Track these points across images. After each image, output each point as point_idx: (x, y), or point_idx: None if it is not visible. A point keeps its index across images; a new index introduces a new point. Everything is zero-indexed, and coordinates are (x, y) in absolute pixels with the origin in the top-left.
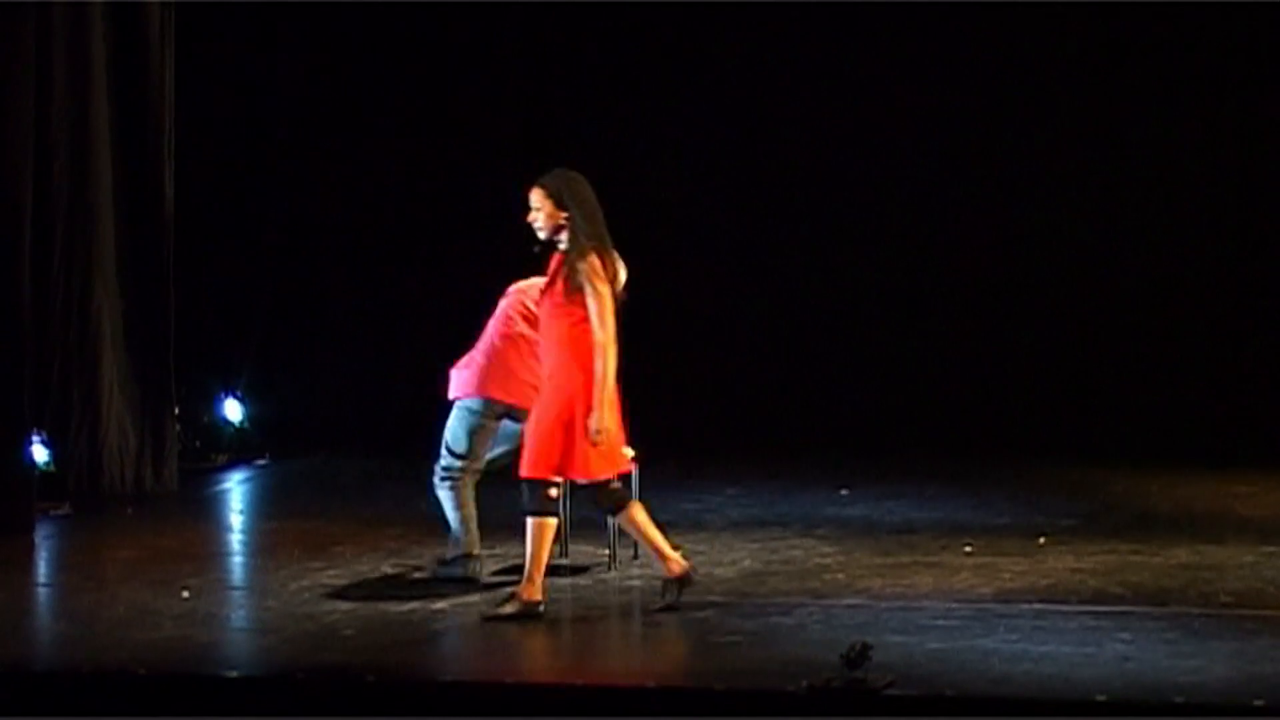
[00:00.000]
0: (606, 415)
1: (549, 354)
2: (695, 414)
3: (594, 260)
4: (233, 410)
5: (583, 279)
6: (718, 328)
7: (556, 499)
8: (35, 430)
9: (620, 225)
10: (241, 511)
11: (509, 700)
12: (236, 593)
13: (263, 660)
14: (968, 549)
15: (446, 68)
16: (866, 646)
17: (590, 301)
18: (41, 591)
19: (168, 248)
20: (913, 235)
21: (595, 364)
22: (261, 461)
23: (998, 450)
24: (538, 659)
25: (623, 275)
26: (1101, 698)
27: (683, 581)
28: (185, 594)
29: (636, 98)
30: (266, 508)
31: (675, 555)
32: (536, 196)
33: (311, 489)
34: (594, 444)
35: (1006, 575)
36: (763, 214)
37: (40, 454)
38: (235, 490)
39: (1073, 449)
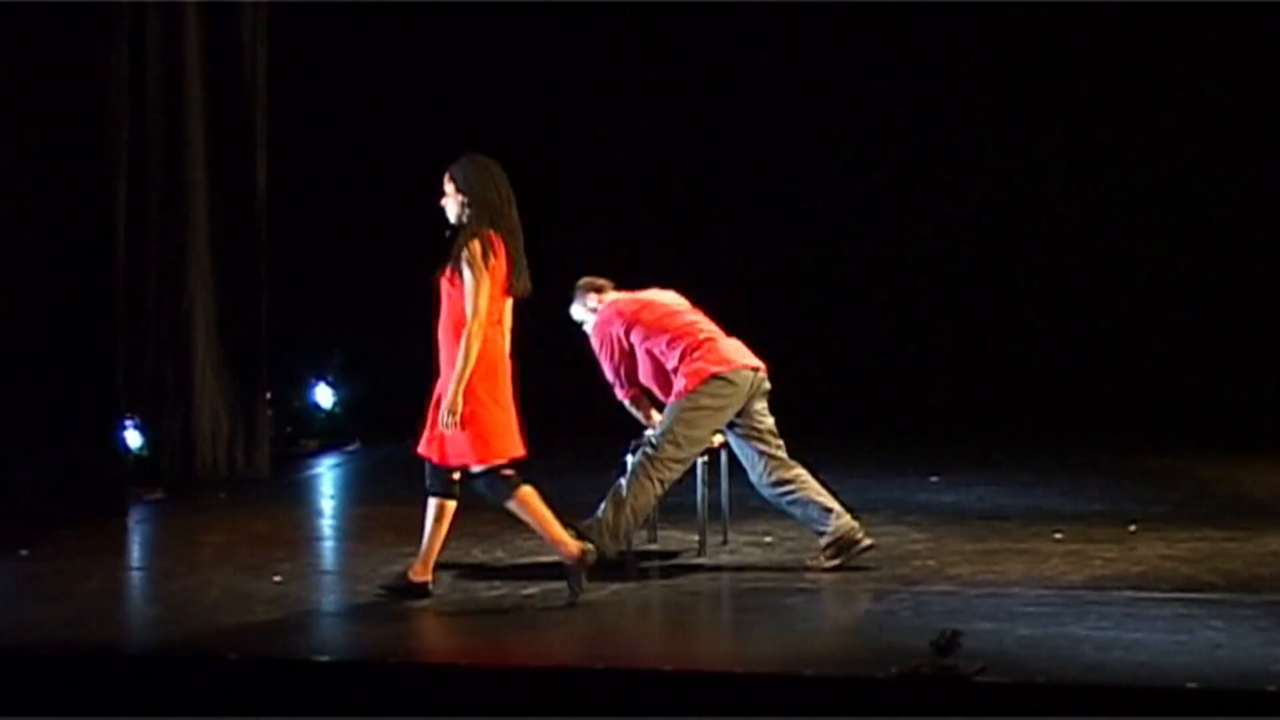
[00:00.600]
0: (461, 401)
1: (441, 336)
2: (787, 401)
3: (475, 245)
4: (324, 396)
5: (463, 262)
6: (809, 317)
7: (454, 481)
8: (129, 415)
9: (715, 207)
10: (332, 496)
11: (598, 685)
12: (328, 577)
13: (353, 645)
14: (1058, 536)
15: (533, 63)
16: (957, 633)
17: (466, 284)
18: (135, 575)
19: (260, 235)
20: (1006, 223)
21: (458, 348)
22: (352, 447)
23: (1088, 437)
24: (626, 644)
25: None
26: (1193, 685)
27: (582, 563)
28: (277, 579)
29: (715, 90)
30: (357, 493)
31: (569, 538)
32: (446, 180)
33: (402, 474)
34: (443, 430)
35: (1097, 562)
36: (860, 198)
37: (134, 439)
38: (326, 475)
39: (1164, 435)
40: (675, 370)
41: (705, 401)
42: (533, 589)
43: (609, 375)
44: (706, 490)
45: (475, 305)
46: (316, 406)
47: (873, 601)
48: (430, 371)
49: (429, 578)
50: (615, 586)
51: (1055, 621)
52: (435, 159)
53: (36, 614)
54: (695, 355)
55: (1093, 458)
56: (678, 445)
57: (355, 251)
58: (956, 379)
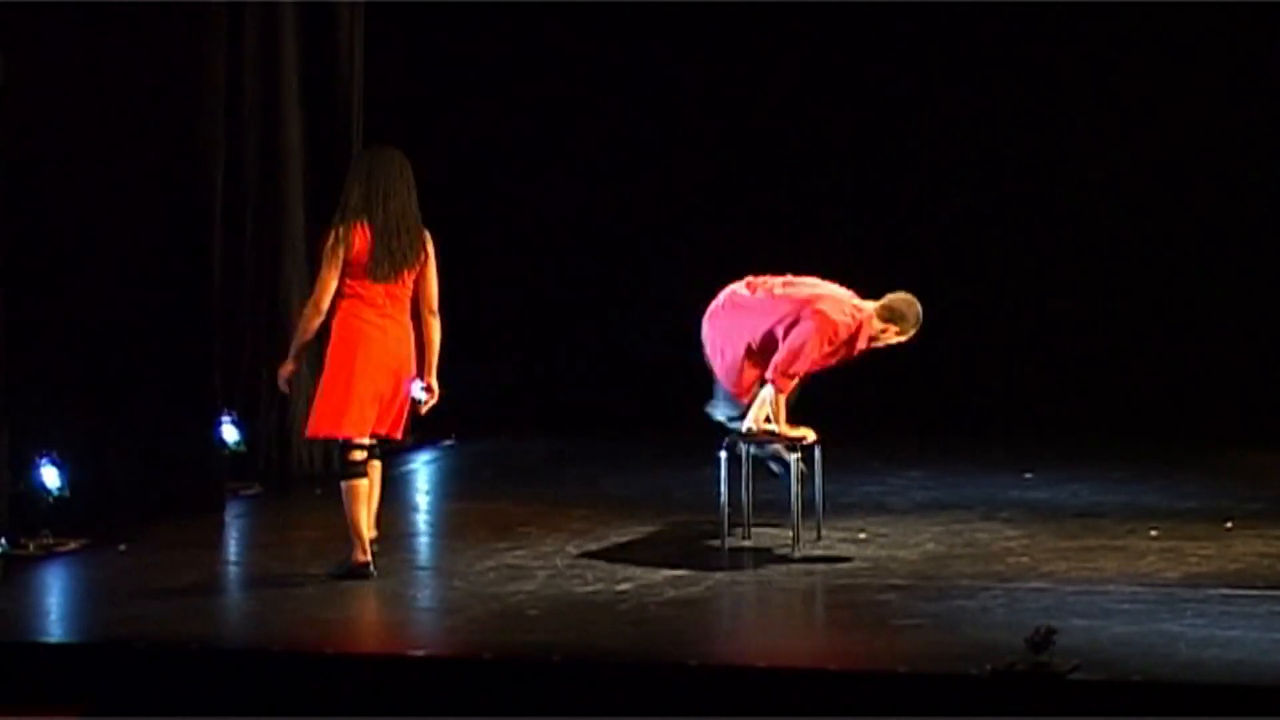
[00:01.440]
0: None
1: None
2: (880, 397)
3: (326, 236)
4: (419, 391)
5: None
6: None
7: (358, 461)
8: (226, 411)
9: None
10: (427, 492)
11: (691, 682)
12: (423, 573)
13: (449, 640)
14: (1154, 533)
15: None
16: (1051, 630)
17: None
18: (231, 570)
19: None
20: (1097, 221)
21: None
22: (447, 442)
23: (1184, 433)
24: (721, 641)
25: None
26: None
27: (356, 571)
28: (373, 573)
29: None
30: (452, 488)
31: (366, 545)
32: None
33: (496, 470)
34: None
35: (1193, 559)
36: (950, 196)
37: (231, 434)
38: (421, 471)
39: (1261, 431)
40: None
41: None
42: (626, 585)
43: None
44: (800, 487)
45: (314, 283)
46: (413, 401)
47: (967, 598)
48: (525, 365)
49: (368, 558)
50: (709, 583)
51: (1150, 619)
52: (526, 159)
53: (134, 609)
54: None
55: (1189, 454)
56: None
57: (448, 248)
58: (1050, 374)
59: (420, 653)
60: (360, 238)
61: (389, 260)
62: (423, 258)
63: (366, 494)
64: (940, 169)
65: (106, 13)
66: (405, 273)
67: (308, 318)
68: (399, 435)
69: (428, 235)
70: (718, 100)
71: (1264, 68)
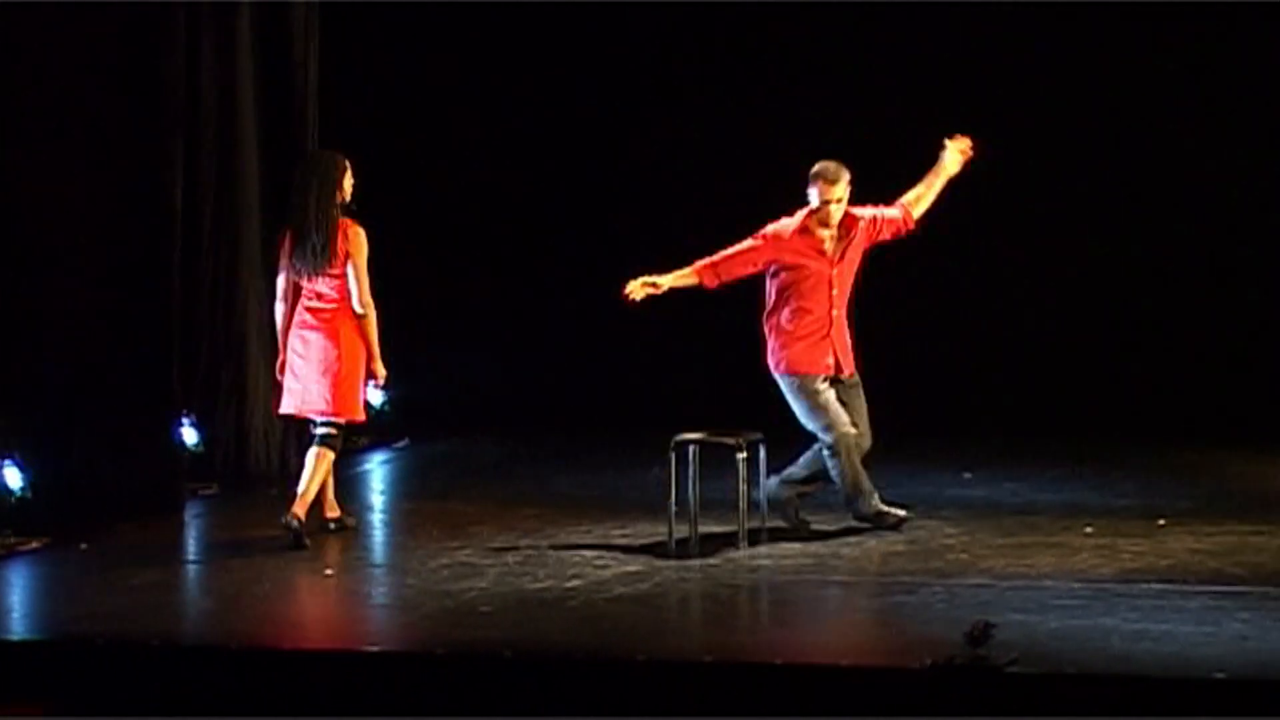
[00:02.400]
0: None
1: None
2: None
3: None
4: (373, 395)
5: None
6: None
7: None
8: (185, 413)
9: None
10: (382, 492)
11: (639, 677)
12: (377, 570)
13: (403, 636)
14: (1088, 530)
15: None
16: (989, 625)
17: None
18: (190, 568)
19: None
20: (1034, 219)
21: None
22: (401, 444)
23: (1118, 433)
24: (663, 636)
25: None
26: (1220, 676)
27: (290, 527)
28: (328, 572)
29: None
30: (406, 488)
31: (302, 510)
32: None
33: (449, 471)
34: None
35: (1126, 555)
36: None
37: (190, 436)
38: (376, 471)
39: (1192, 432)
40: None
41: None
42: (576, 582)
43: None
44: (746, 485)
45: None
46: (366, 404)
47: (908, 594)
48: (477, 369)
49: (338, 512)
50: (657, 579)
51: (1085, 613)
52: (480, 161)
53: (96, 605)
54: None
55: (1122, 454)
56: None
57: (399, 253)
58: (989, 377)
59: (375, 648)
60: (288, 240)
61: (303, 260)
62: (340, 257)
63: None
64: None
65: (66, 18)
66: (325, 271)
67: (273, 312)
68: (331, 414)
69: (352, 234)
70: (693, 97)
71: (1232, 70)
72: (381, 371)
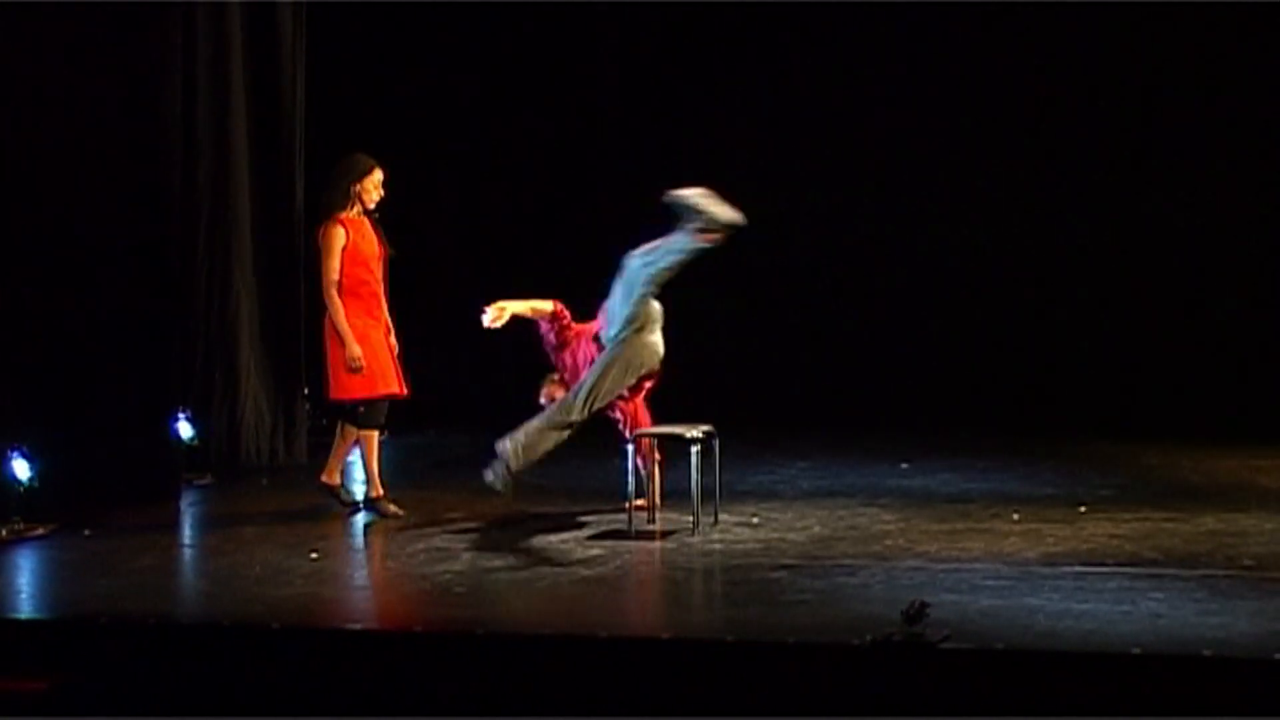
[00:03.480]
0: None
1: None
2: (770, 393)
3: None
4: None
5: None
6: (791, 313)
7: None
8: (181, 408)
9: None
10: (364, 481)
11: (602, 651)
12: (359, 554)
13: (383, 615)
14: (1015, 516)
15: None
16: (924, 604)
17: None
18: (186, 553)
19: (298, 242)
20: (962, 220)
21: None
22: (383, 436)
23: (1043, 427)
24: (624, 615)
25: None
26: (1137, 651)
27: (331, 489)
28: (314, 555)
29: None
30: (385, 478)
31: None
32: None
33: (426, 461)
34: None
35: (1050, 540)
36: (837, 196)
37: (185, 430)
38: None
39: (1111, 426)
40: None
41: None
42: (543, 565)
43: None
44: (699, 475)
45: None
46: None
47: (849, 576)
48: (450, 365)
49: (335, 481)
50: (618, 562)
51: (1012, 593)
52: (461, 159)
53: (97, 587)
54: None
55: (1047, 446)
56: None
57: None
58: (924, 373)
59: (357, 626)
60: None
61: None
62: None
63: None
64: (818, 162)
65: (64, 18)
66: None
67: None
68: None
69: (320, 232)
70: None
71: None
72: (354, 355)
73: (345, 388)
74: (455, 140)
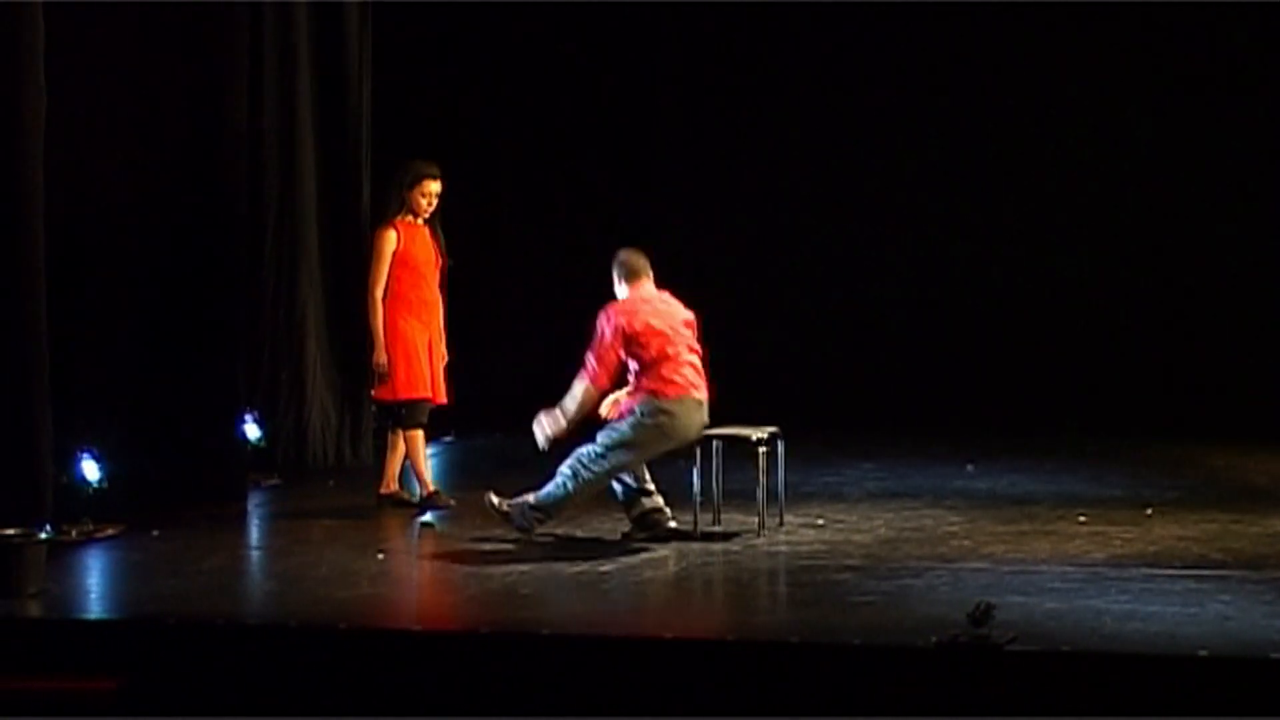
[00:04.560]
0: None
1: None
2: (837, 394)
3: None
4: None
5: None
6: (858, 315)
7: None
8: (248, 410)
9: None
10: (415, 475)
11: (667, 654)
12: (425, 555)
13: (450, 616)
14: (1082, 518)
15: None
16: (990, 606)
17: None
18: (253, 554)
19: (364, 245)
20: (1030, 222)
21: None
22: (448, 439)
23: (1109, 429)
24: (693, 617)
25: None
26: (1204, 653)
27: (391, 497)
28: (380, 556)
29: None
30: (452, 480)
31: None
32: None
33: (491, 463)
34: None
35: (1117, 542)
36: (902, 200)
37: (253, 431)
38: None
39: (1178, 428)
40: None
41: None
42: (608, 566)
43: (589, 359)
44: (764, 476)
45: None
46: None
47: (914, 577)
48: (519, 367)
49: (393, 488)
50: (684, 563)
51: (1079, 596)
52: (526, 162)
53: (166, 588)
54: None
55: (1113, 448)
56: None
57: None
58: (990, 375)
59: (423, 628)
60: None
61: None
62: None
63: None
64: (899, 174)
65: (132, 22)
66: None
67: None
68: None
69: (373, 232)
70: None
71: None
72: (380, 361)
73: (388, 388)
74: (519, 141)
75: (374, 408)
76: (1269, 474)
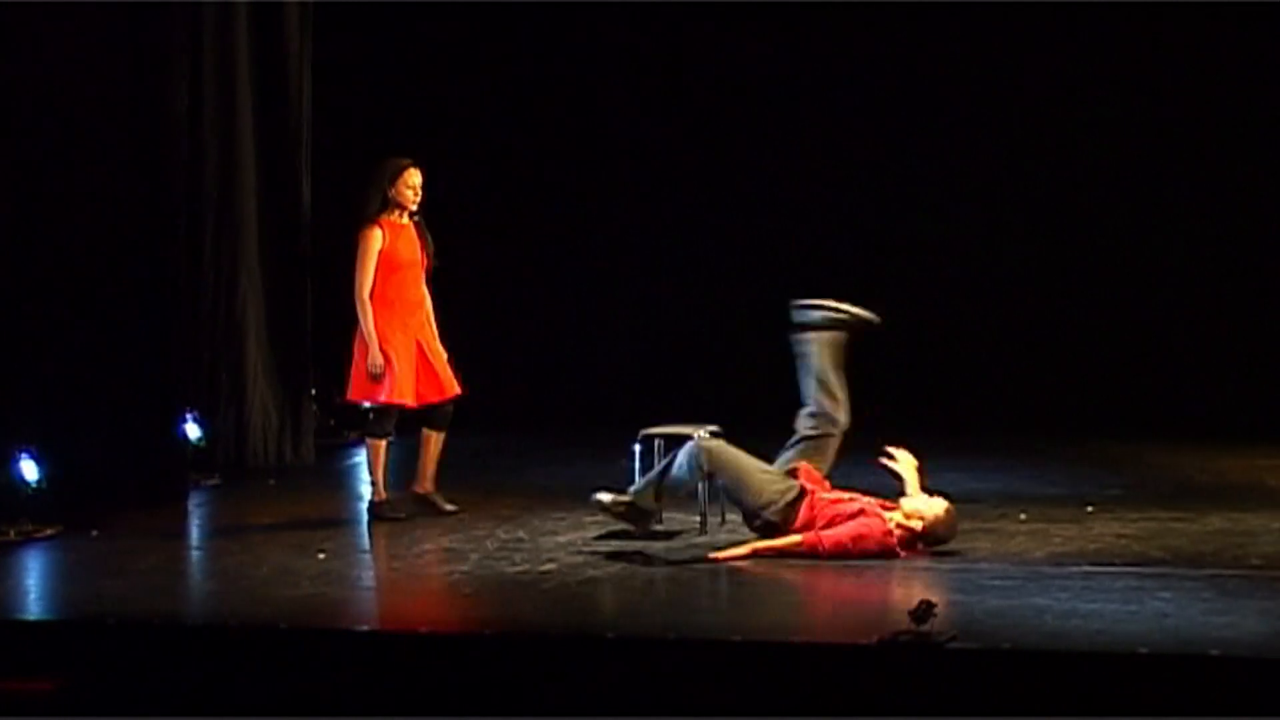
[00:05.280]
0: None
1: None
2: (784, 392)
3: None
4: None
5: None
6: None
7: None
8: (188, 410)
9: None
10: (371, 483)
11: (609, 651)
12: (366, 555)
13: (390, 616)
14: (1022, 516)
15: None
16: (931, 604)
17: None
18: (194, 553)
19: (305, 244)
20: (966, 218)
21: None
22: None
23: (1050, 427)
24: (633, 616)
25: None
26: (1144, 650)
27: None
28: (321, 555)
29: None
30: (393, 479)
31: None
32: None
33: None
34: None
35: (1057, 540)
36: (844, 199)
37: (193, 431)
38: (365, 463)
39: (1118, 426)
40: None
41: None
42: (549, 566)
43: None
44: (707, 475)
45: None
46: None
47: (856, 576)
48: (458, 367)
49: (381, 497)
50: (624, 563)
51: (1020, 593)
52: (473, 160)
53: (105, 588)
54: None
55: (1054, 445)
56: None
57: None
58: (932, 373)
59: (364, 628)
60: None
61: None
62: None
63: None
64: (834, 170)
65: (71, 20)
66: None
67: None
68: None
69: (357, 233)
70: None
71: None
72: (375, 362)
73: (358, 391)
74: (463, 140)
75: (328, 408)
76: (1209, 471)
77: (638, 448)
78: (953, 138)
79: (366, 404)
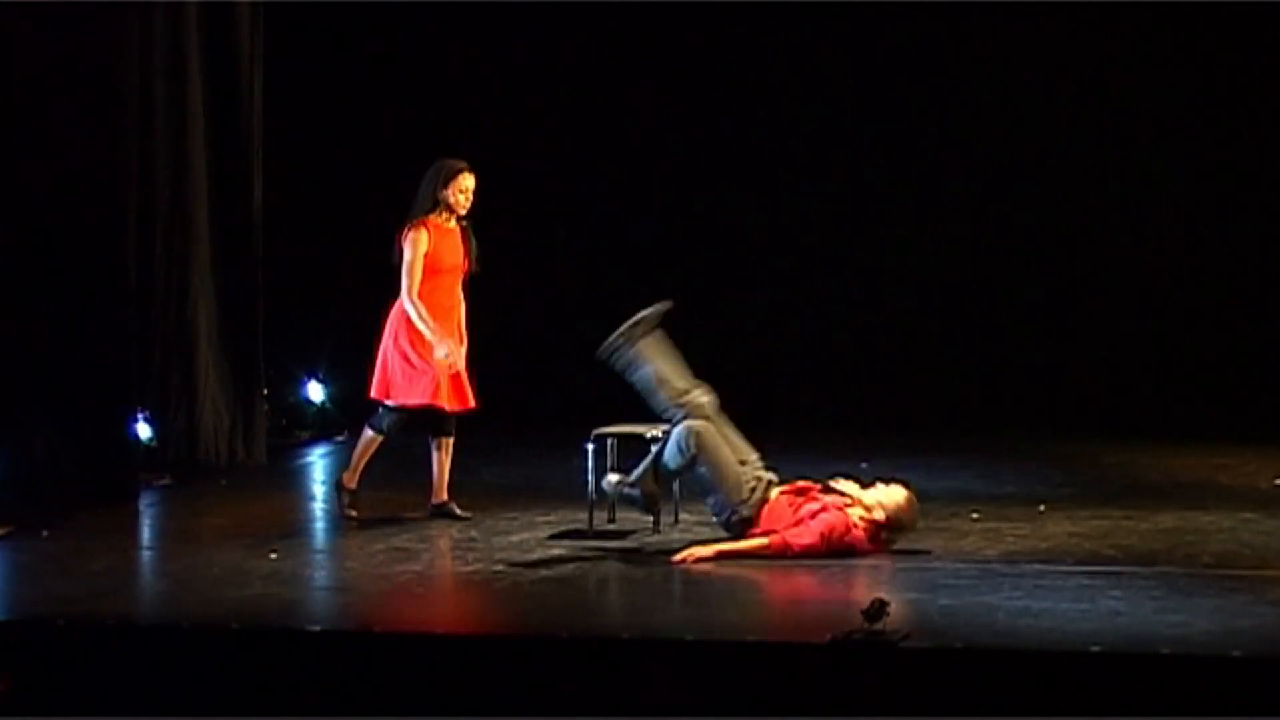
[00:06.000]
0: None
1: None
2: (737, 392)
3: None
4: (315, 391)
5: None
6: (752, 310)
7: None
8: (139, 409)
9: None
10: (323, 482)
11: (563, 650)
12: (319, 555)
13: (343, 616)
14: (975, 515)
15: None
16: (884, 603)
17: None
18: (145, 554)
19: (256, 245)
20: (924, 224)
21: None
22: (341, 438)
23: (1002, 426)
24: (586, 615)
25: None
26: (1096, 648)
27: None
28: (273, 556)
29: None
30: (369, 479)
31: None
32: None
33: (386, 462)
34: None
35: (1010, 539)
36: (799, 202)
37: (144, 431)
38: (318, 463)
39: (1070, 425)
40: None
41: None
42: (501, 565)
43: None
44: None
45: None
46: (308, 401)
47: (809, 574)
48: None
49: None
50: (578, 562)
51: (972, 592)
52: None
53: (55, 588)
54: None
55: (1006, 444)
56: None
57: (342, 261)
58: (884, 373)
59: (317, 628)
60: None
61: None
62: (397, 254)
63: None
64: (785, 166)
65: (21, 14)
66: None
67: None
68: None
69: (406, 235)
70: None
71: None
72: (438, 354)
73: (394, 391)
74: (420, 140)
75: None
76: (1161, 470)
77: (590, 447)
78: (924, 136)
79: (384, 400)
